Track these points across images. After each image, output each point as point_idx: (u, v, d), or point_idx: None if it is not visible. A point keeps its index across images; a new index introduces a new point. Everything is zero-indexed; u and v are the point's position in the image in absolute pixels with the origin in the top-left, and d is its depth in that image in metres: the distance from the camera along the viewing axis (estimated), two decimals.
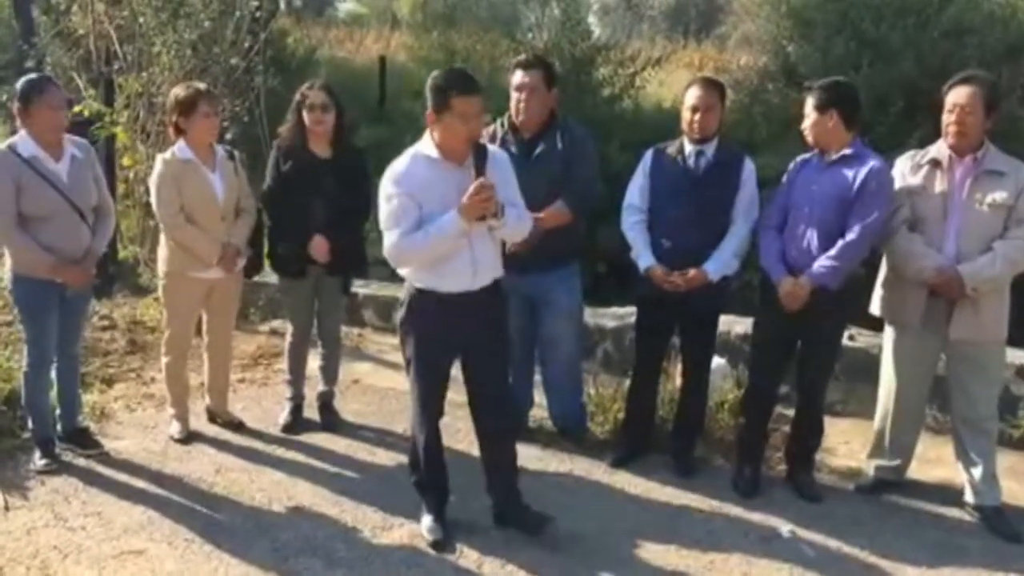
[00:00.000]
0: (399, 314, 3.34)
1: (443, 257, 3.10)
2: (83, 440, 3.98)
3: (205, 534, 3.36)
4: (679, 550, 3.38)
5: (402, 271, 3.25)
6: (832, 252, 3.55)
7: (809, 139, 3.69)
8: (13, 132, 3.78)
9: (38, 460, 3.83)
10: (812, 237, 3.61)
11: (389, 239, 3.09)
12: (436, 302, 3.17)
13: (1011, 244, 3.44)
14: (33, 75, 3.94)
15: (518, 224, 3.20)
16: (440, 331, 3.21)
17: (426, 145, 3.13)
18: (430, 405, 3.33)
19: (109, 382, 4.83)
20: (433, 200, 3.06)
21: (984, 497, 3.64)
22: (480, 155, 3.04)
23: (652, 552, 3.36)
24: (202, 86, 4.09)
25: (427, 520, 3.41)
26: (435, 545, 3.32)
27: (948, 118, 3.53)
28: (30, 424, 3.89)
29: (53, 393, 3.94)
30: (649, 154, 3.96)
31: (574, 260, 4.14)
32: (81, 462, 3.88)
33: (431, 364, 3.27)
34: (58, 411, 3.97)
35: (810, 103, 3.65)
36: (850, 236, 3.55)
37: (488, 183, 2.99)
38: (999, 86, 3.62)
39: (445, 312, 3.16)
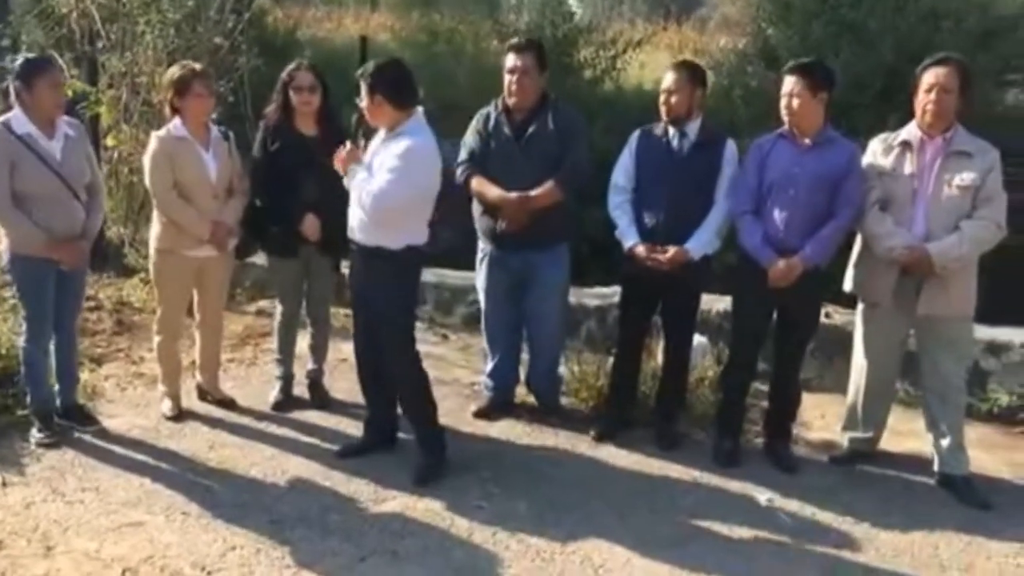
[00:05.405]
0: None
1: None
2: (80, 416, 4.04)
3: (202, 507, 3.44)
4: (662, 519, 3.50)
5: None
6: (824, 232, 3.66)
7: (792, 119, 3.69)
8: (6, 110, 3.79)
9: (36, 433, 3.88)
10: (798, 218, 3.70)
11: None
12: None
13: (977, 224, 3.55)
14: (33, 55, 4.00)
15: (359, 184, 3.57)
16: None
17: None
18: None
19: (98, 361, 4.86)
20: None
21: (953, 467, 3.78)
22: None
23: (636, 521, 3.48)
24: (197, 66, 4.12)
25: None
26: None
27: (925, 97, 3.57)
28: (28, 399, 3.94)
29: (52, 369, 3.99)
30: (635, 135, 4.05)
31: (565, 240, 4.19)
32: (76, 440, 3.93)
33: None
34: (56, 387, 4.02)
35: (799, 84, 3.64)
36: (841, 217, 3.67)
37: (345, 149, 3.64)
38: (971, 69, 3.68)
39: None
